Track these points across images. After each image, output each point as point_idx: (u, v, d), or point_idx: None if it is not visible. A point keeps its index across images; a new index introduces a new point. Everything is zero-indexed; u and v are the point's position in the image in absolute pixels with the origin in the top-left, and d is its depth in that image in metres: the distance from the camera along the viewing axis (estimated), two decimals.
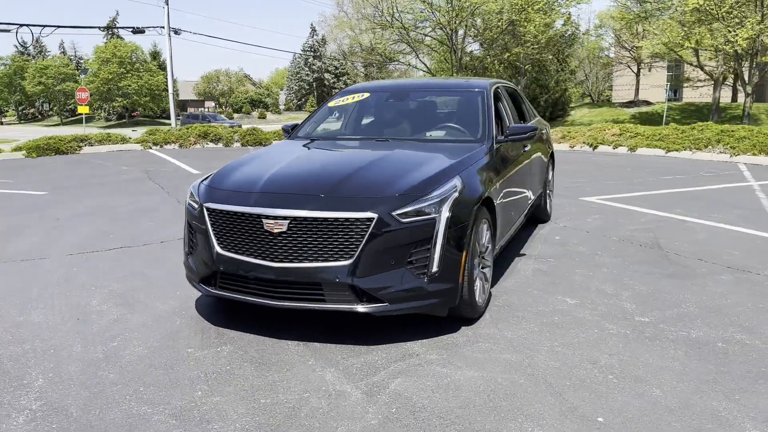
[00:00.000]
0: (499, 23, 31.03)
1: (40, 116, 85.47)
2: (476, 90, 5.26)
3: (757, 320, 3.99)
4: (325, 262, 3.49)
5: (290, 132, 5.43)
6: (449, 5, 29.46)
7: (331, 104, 5.72)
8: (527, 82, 35.41)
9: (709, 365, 3.36)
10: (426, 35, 32.31)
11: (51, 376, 3.29)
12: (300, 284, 3.55)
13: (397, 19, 30.27)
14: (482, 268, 4.16)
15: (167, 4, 31.60)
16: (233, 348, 3.62)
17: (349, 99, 5.60)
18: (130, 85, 63.29)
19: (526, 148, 5.50)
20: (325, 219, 3.48)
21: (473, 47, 34.84)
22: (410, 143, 4.82)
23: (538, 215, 6.79)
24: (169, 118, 61.39)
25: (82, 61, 79.90)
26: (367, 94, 5.61)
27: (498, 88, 5.65)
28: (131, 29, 30.19)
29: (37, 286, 4.80)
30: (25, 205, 8.31)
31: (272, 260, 3.56)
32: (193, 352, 3.58)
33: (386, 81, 6.45)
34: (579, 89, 54.37)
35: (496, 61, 37.69)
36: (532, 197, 6.02)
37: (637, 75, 46.34)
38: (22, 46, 27.30)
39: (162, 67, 71.18)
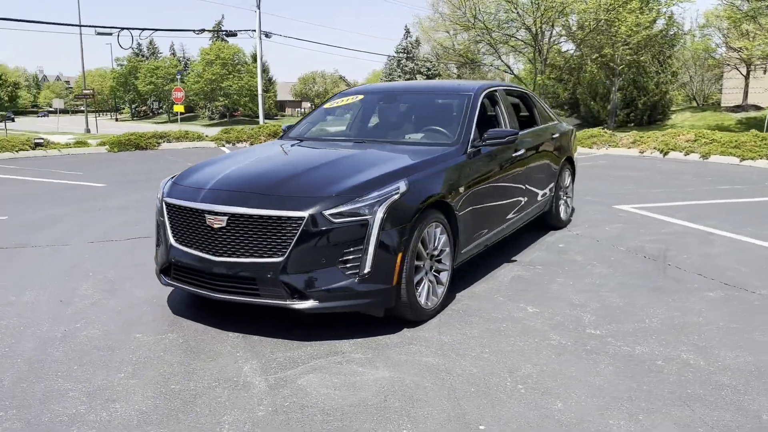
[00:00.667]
0: (589, 23, 30.05)
1: (151, 114, 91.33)
2: (462, 94, 5.25)
3: (718, 341, 3.76)
4: (260, 258, 3.64)
5: (286, 132, 5.64)
6: (534, 5, 28.82)
7: (326, 106, 5.85)
8: (623, 83, 34.04)
9: (632, 383, 3.22)
10: (511, 36, 31.76)
11: (6, 351, 3.62)
12: (237, 278, 3.71)
13: (479, 20, 29.95)
14: (434, 271, 4.17)
15: (258, 8, 32.96)
16: (177, 336, 3.84)
17: (344, 101, 5.73)
18: (231, 86, 66.23)
19: (519, 153, 5.40)
20: (260, 216, 3.63)
21: (568, 46, 33.89)
22: (383, 145, 4.88)
23: (549, 222, 6.64)
24: (269, 118, 64.05)
25: (189, 63, 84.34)
26: (360, 97, 5.71)
27: (494, 92, 5.59)
28: (224, 32, 31.65)
29: (45, 270, 5.24)
30: (79, 196, 9.01)
31: (213, 254, 3.75)
32: (140, 338, 3.82)
33: (381, 84, 6.50)
34: (682, 92, 51.63)
35: (589, 61, 36.54)
36: (534, 203, 5.90)
37: (746, 77, 43.37)
38: (122, 47, 28.93)
39: (263, 69, 74.23)
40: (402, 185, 3.83)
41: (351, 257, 3.61)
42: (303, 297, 3.61)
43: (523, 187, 5.58)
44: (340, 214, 3.60)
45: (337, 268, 3.62)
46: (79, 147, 16.52)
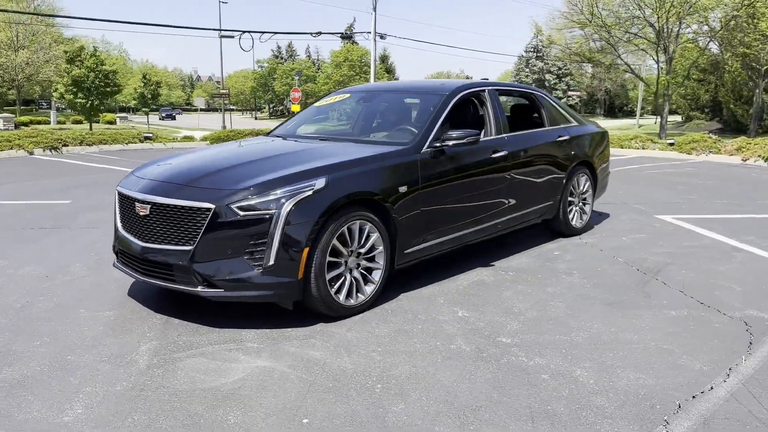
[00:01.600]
0: (724, 19, 27.83)
1: (287, 113, 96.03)
2: (435, 94, 5.19)
3: (632, 361, 3.49)
4: (175, 245, 3.87)
5: (275, 128, 5.86)
6: (659, 1, 27.10)
7: (317, 104, 6.00)
8: None
9: (496, 393, 3.10)
10: (634, 34, 30.07)
11: None
12: (158, 263, 3.97)
13: (597, 17, 28.65)
14: (361, 269, 4.19)
15: (374, 11, 33.67)
16: (112, 314, 4.16)
17: (332, 99, 5.85)
18: None
19: (500, 154, 5.25)
20: (175, 206, 3.86)
21: (704, 44, 31.52)
22: (341, 143, 4.95)
23: (557, 228, 6.36)
24: None
25: (320, 65, 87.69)
26: (347, 96, 5.81)
27: (480, 92, 5.48)
28: (340, 34, 32.66)
29: (60, 249, 5.83)
30: None
31: (140, 240, 4.04)
32: (82, 313, 4.18)
33: (369, 84, 6.53)
34: None
35: (729, 60, 33.87)
36: (526, 208, 5.69)
37: None
38: (243, 50, 30.66)
39: (388, 70, 75.57)
40: (319, 182, 3.90)
41: (256, 249, 3.74)
42: (211, 285, 3.80)
43: (508, 190, 5.40)
44: (247, 207, 3.74)
45: (243, 259, 3.76)
46: (185, 141, 17.86)
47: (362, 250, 4.19)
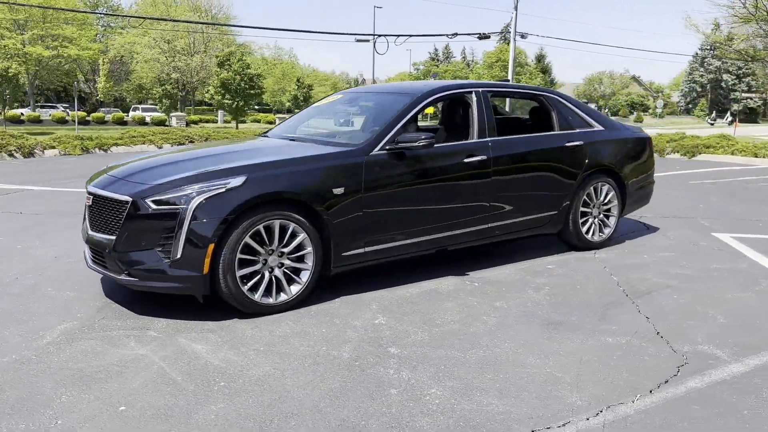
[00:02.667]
0: None
1: (438, 113, 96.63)
2: (406, 95, 5.08)
3: (503, 385, 3.23)
4: (105, 234, 4.19)
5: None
6: None
7: (315, 105, 6.09)
8: None
9: (323, 402, 3.02)
10: None
11: None
12: (97, 251, 4.31)
13: (762, 10, 25.69)
14: (285, 268, 4.24)
15: (516, 9, 32.88)
16: (71, 294, 4.56)
17: (328, 100, 5.91)
18: None
19: (477, 158, 5.02)
20: (105, 198, 4.18)
21: None
22: (299, 144, 5.00)
23: (568, 241, 5.92)
24: None
25: (472, 66, 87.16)
26: (338, 97, 5.84)
27: (466, 93, 5.28)
28: (477, 35, 32.27)
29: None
30: None
31: (90, 228, 4.41)
32: (48, 292, 4.63)
33: (362, 87, 6.45)
34: None
35: None
36: (519, 216, 5.38)
37: None
38: (378, 53, 31.44)
39: (544, 70, 73.42)
40: (235, 180, 4.02)
41: (167, 242, 3.94)
42: (129, 274, 4.05)
43: (489, 197, 5.14)
44: (159, 202, 3.95)
45: (156, 251, 3.97)
46: None
47: (285, 250, 4.22)
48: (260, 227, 4.08)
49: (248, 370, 3.36)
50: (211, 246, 3.92)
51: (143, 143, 16.69)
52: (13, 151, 13.91)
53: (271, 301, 4.19)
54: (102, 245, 4.18)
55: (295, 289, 4.29)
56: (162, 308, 4.25)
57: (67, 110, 44.08)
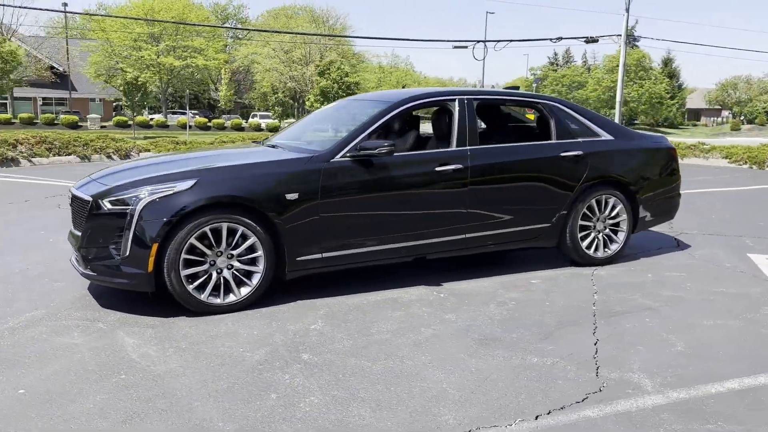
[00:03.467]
0: None
1: None
2: (381, 103, 5.09)
3: (381, 396, 3.18)
4: (76, 230, 4.54)
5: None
6: None
7: (316, 111, 6.20)
8: None
9: (161, 402, 3.13)
10: None
11: None
12: (72, 245, 4.68)
13: None
14: (235, 270, 4.38)
15: (627, 12, 31.27)
16: (61, 285, 4.97)
17: (326, 108, 6.03)
18: (630, 93, 63.69)
19: (451, 167, 4.92)
20: (76, 197, 4.54)
21: None
22: (273, 150, 5.12)
23: (567, 255, 5.63)
24: (672, 127, 59.82)
25: (591, 70, 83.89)
26: (335, 104, 5.92)
27: (446, 102, 5.20)
28: (584, 39, 31.07)
29: None
30: None
31: (72, 226, 4.79)
32: (45, 282, 5.06)
33: (363, 94, 6.41)
34: None
35: None
36: (500, 227, 5.23)
37: None
38: (476, 59, 31.08)
39: (671, 74, 69.32)
40: (184, 184, 4.22)
41: (119, 240, 4.21)
42: (90, 269, 4.37)
43: (465, 207, 5.02)
44: (114, 202, 4.23)
45: (110, 249, 4.26)
46: None
47: (234, 252, 4.36)
48: (206, 229, 4.24)
49: (155, 366, 3.52)
50: (155, 245, 4.14)
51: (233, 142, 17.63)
52: (111, 153, 15.22)
53: (218, 301, 4.35)
54: (75, 241, 4.53)
55: (244, 291, 4.41)
56: (130, 303, 4.49)
57: (196, 116, 47.37)
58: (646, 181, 5.84)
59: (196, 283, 4.28)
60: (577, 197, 5.49)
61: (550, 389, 3.29)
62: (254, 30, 53.48)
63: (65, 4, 47.49)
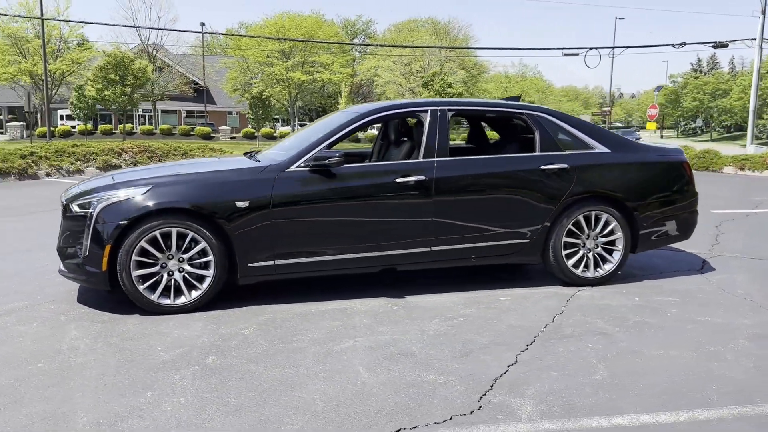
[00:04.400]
0: None
1: (700, 131, 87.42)
2: (350, 114, 5.15)
3: (222, 401, 3.24)
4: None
5: None
6: None
7: (309, 124, 6.34)
8: None
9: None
10: None
11: None
12: None
13: None
14: (186, 273, 4.62)
15: (764, 14, 28.53)
16: (60, 280, 5.48)
17: (322, 119, 6.16)
18: None
19: (414, 179, 4.87)
20: (62, 201, 4.99)
21: None
22: (246, 159, 5.32)
23: (552, 273, 5.35)
24: None
25: (736, 76, 77.23)
26: (329, 115, 6.03)
27: (417, 113, 5.16)
28: (712, 44, 28.79)
29: None
30: None
31: None
32: (49, 277, 5.60)
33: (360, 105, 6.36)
34: None
35: None
36: (464, 242, 5.08)
37: None
38: (588, 67, 29.56)
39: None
40: (138, 191, 4.54)
41: (82, 241, 4.60)
42: (64, 266, 4.80)
43: (430, 220, 4.94)
44: (80, 206, 4.62)
45: (77, 248, 4.65)
46: None
47: (185, 256, 4.60)
48: (156, 233, 4.51)
49: (74, 358, 3.80)
50: (108, 247, 4.46)
51: None
52: None
53: (168, 302, 4.60)
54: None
55: (195, 294, 4.63)
56: (112, 301, 4.84)
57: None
58: (649, 198, 5.41)
59: (147, 284, 4.55)
60: (561, 213, 5.21)
61: (419, 407, 3.19)
62: (371, 45, 54.84)
63: (203, 24, 51.36)
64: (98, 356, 3.83)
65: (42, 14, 34.09)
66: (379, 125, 6.18)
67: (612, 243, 5.38)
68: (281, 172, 4.73)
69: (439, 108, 5.17)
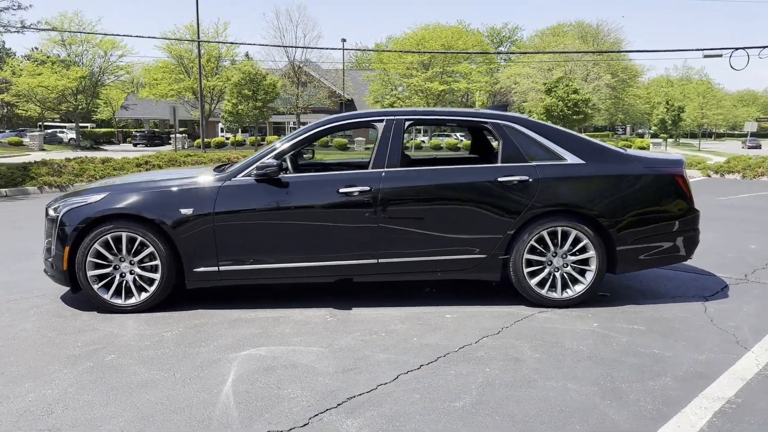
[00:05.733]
0: None
1: None
2: (313, 124, 5.19)
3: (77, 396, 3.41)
4: None
5: None
6: None
7: None
8: None
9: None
10: None
11: None
12: None
13: None
14: (137, 275, 4.92)
15: None
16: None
17: None
18: None
19: (353, 189, 4.82)
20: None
21: None
22: (217, 169, 5.51)
23: (517, 291, 5.01)
24: None
25: None
26: None
27: (373, 123, 5.11)
28: None
29: None
30: None
31: None
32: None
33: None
34: None
35: None
36: (409, 255, 4.92)
37: None
38: (734, 69, 26.63)
39: None
40: (94, 197, 4.93)
41: (52, 242, 5.07)
42: (44, 264, 5.30)
43: (372, 231, 4.85)
44: (53, 210, 5.10)
45: (51, 248, 5.14)
46: None
47: (135, 259, 4.90)
48: (108, 237, 4.85)
49: (5, 346, 4.22)
50: (67, 248, 4.87)
51: None
52: None
53: (119, 302, 4.92)
54: None
55: (144, 295, 4.92)
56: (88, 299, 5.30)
57: (462, 138, 49.45)
58: (628, 213, 4.88)
59: (101, 283, 4.90)
60: (522, 227, 4.86)
61: (250, 418, 3.16)
62: (502, 53, 53.86)
63: (344, 40, 53.47)
64: (24, 346, 4.20)
65: (198, 37, 37.39)
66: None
67: (584, 262, 4.92)
68: (227, 182, 4.88)
69: (395, 118, 5.06)
